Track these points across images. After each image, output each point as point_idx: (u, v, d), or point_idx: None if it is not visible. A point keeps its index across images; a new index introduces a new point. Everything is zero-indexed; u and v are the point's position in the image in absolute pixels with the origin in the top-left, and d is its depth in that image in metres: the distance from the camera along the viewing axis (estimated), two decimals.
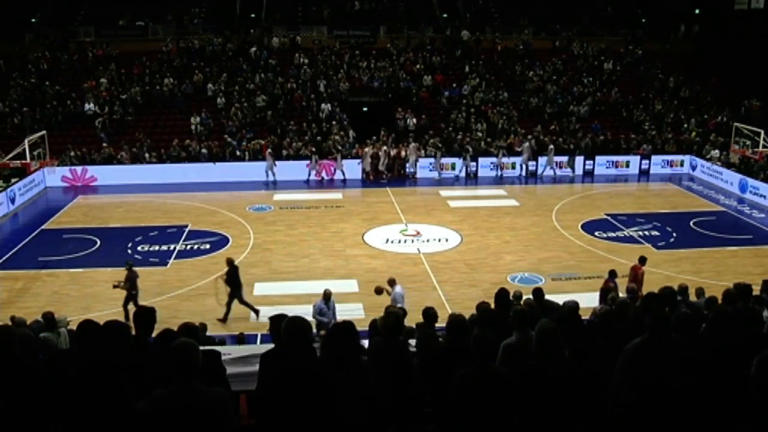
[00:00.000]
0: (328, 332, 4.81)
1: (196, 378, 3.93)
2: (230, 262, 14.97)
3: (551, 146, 28.75)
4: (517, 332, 5.90)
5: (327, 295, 13.09)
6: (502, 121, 30.96)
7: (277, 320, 5.93)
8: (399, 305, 13.28)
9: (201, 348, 5.73)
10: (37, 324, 10.36)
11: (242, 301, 14.77)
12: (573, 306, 8.21)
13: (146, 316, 5.64)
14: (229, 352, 7.31)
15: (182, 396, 3.86)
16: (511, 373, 4.71)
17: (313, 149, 27.99)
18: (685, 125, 31.58)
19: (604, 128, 31.29)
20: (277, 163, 27.13)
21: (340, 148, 28.20)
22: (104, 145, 27.87)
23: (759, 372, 3.84)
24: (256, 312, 14.65)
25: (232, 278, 14.76)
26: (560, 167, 28.87)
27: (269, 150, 27.30)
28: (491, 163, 28.78)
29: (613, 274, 13.99)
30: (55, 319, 10.44)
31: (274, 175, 27.05)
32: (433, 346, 6.59)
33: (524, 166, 28.75)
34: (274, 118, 30.56)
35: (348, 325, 4.81)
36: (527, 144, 28.69)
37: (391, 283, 13.58)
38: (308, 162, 27.76)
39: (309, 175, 27.77)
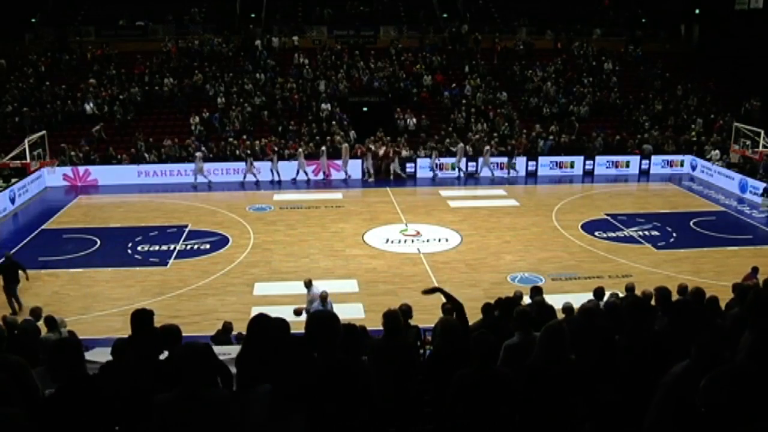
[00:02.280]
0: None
1: (203, 382, 3.92)
2: (6, 256, 15.39)
3: (487, 147, 28.56)
4: (519, 333, 5.89)
5: (323, 297, 13.04)
6: (503, 126, 30.83)
7: (255, 321, 5.87)
8: (316, 304, 13.16)
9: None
10: (28, 323, 10.34)
11: (12, 294, 14.88)
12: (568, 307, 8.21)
13: (144, 318, 5.62)
14: (229, 352, 7.31)
15: (186, 400, 3.84)
16: (511, 373, 4.71)
17: (323, 149, 28.03)
18: (693, 125, 31.54)
19: (604, 128, 31.31)
20: (205, 166, 26.84)
21: (346, 146, 28.27)
22: (85, 147, 27.75)
23: (707, 390, 3.76)
24: (14, 311, 14.60)
25: (6, 271, 14.93)
26: (501, 168, 28.59)
27: (198, 153, 27.08)
28: (427, 164, 28.54)
29: (755, 270, 13.89)
30: (56, 320, 10.42)
31: (205, 177, 26.82)
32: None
33: (458, 167, 28.59)
34: (274, 118, 30.55)
35: (352, 328, 4.83)
36: (461, 145, 28.54)
37: (308, 284, 13.58)
38: (317, 161, 27.81)
39: (320, 174, 27.85)
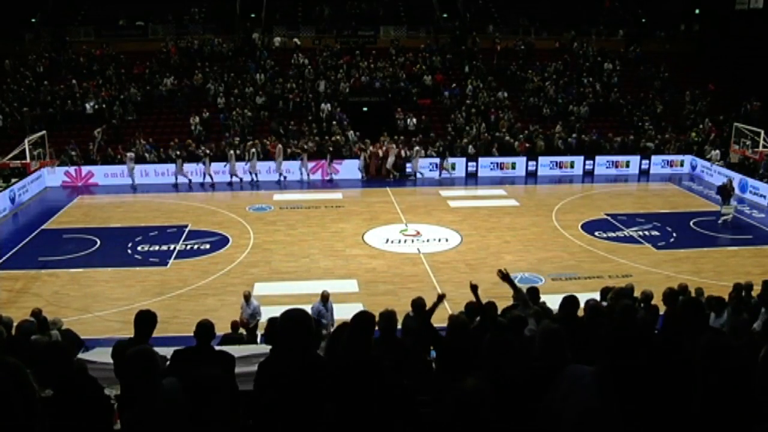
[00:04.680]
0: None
1: (158, 381, 3.96)
2: None
3: (417, 148, 28.34)
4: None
5: (325, 297, 13.02)
6: (505, 126, 30.79)
7: (274, 323, 5.89)
8: (258, 318, 12.95)
9: (218, 348, 5.78)
10: (29, 324, 10.26)
11: None
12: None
13: (146, 319, 5.64)
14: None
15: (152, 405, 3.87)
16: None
17: (331, 149, 28.03)
18: (701, 125, 31.51)
19: (603, 128, 31.33)
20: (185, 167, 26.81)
21: (352, 148, 28.36)
22: (72, 153, 27.55)
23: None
24: None
25: None
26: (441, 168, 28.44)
27: (129, 153, 26.79)
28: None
29: None
30: (48, 321, 10.34)
31: (132, 179, 26.67)
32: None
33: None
34: (274, 118, 30.54)
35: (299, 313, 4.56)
36: (417, 148, 28.27)
37: (247, 297, 13.23)
38: (323, 162, 27.85)
39: (328, 174, 27.97)
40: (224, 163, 27.18)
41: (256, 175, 27.27)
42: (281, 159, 27.43)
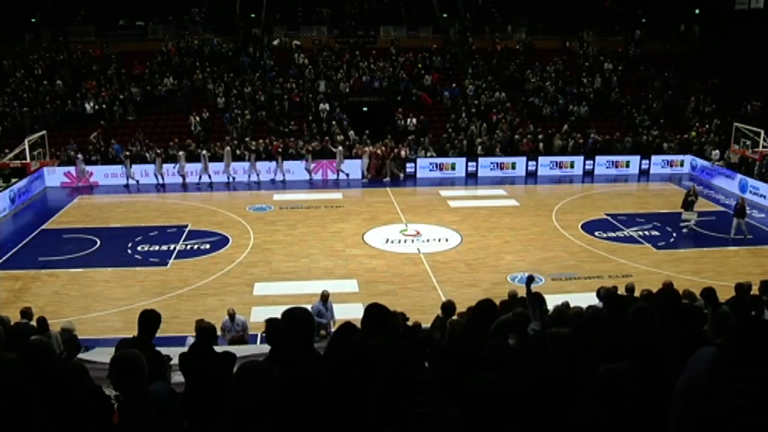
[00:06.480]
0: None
1: (145, 386, 3.97)
2: None
3: (339, 148, 28.12)
4: (514, 335, 5.83)
5: (325, 297, 13.03)
6: (503, 124, 30.80)
7: (273, 323, 5.89)
8: (244, 332, 12.52)
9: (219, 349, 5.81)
10: (23, 325, 10.25)
11: None
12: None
13: (150, 319, 5.63)
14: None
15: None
16: (523, 383, 4.64)
17: (280, 149, 28.01)
18: (708, 125, 31.50)
19: (603, 128, 31.32)
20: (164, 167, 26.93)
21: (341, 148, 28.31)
22: (76, 155, 27.35)
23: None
24: None
25: None
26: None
27: (80, 155, 26.71)
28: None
29: None
30: (46, 321, 10.33)
31: (88, 179, 26.72)
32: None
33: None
34: (273, 118, 30.53)
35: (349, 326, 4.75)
36: (340, 149, 28.06)
37: (232, 315, 12.46)
38: (317, 162, 27.90)
39: (318, 173, 28.02)
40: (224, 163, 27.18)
41: (217, 177, 27.19)
42: (230, 160, 27.23)
